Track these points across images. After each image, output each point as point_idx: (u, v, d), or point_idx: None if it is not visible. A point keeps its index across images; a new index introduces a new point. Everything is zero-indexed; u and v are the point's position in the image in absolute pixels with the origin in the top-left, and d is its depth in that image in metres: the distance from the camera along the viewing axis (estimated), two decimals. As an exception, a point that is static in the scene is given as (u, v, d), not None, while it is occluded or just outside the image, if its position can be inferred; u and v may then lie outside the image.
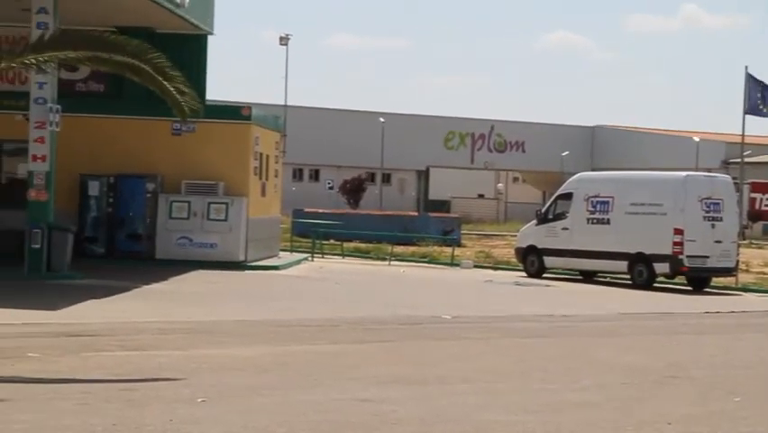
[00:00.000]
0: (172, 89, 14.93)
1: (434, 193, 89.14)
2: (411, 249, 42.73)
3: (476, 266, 38.38)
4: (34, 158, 26.50)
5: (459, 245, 43.97)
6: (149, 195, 31.19)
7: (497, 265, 38.64)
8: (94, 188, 31.07)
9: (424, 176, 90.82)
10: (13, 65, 14.83)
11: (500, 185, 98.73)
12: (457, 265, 38.24)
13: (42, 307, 20.62)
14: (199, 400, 12.13)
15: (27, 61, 14.53)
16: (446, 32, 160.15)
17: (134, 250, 31.06)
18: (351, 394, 12.93)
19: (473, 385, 14.04)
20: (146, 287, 25.45)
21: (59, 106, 26.41)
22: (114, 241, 31.14)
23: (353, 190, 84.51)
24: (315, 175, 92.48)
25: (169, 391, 12.71)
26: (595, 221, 33.69)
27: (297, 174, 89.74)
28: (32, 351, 15.29)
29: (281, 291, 27.29)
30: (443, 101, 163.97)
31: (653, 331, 22.22)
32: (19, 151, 29.49)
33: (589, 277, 34.42)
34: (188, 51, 29.51)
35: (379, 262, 38.99)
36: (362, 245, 43.20)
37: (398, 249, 41.38)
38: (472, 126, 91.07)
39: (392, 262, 38.69)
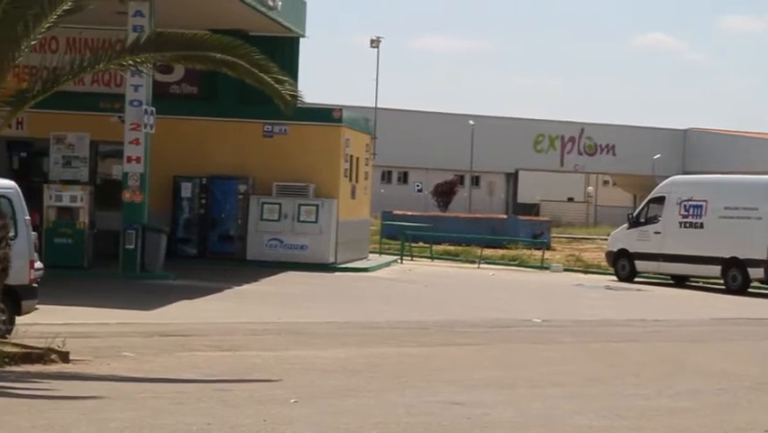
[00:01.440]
0: (270, 80, 14.99)
1: (523, 196, 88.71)
2: (500, 252, 42.60)
3: (566, 270, 38.15)
4: (129, 159, 26.87)
5: (548, 249, 43.73)
6: (240, 196, 31.47)
7: (587, 269, 38.37)
8: (186, 190, 31.41)
9: (513, 179, 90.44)
10: (111, 66, 15.02)
11: (590, 188, 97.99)
12: (547, 269, 38.04)
13: (137, 307, 20.90)
14: (292, 400, 12.20)
15: (124, 63, 14.75)
16: (537, 34, 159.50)
17: (226, 251, 31.34)
18: (441, 397, 12.93)
19: (564, 389, 13.96)
20: (237, 288, 25.68)
21: (153, 108, 26.76)
22: (205, 242, 31.45)
23: (444, 193, 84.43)
24: (404, 177, 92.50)
25: (261, 392, 12.82)
26: (688, 225, 33.31)
27: (386, 176, 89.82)
28: (128, 350, 15.51)
29: (370, 293, 27.36)
30: (532, 103, 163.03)
31: (748, 337, 21.91)
32: (114, 152, 29.92)
33: (681, 281, 34.02)
34: (280, 54, 29.65)
35: (468, 265, 38.93)
36: (451, 248, 43.14)
37: (488, 252, 41.28)
38: (562, 129, 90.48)
39: (481, 265, 38.60)
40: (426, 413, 11.91)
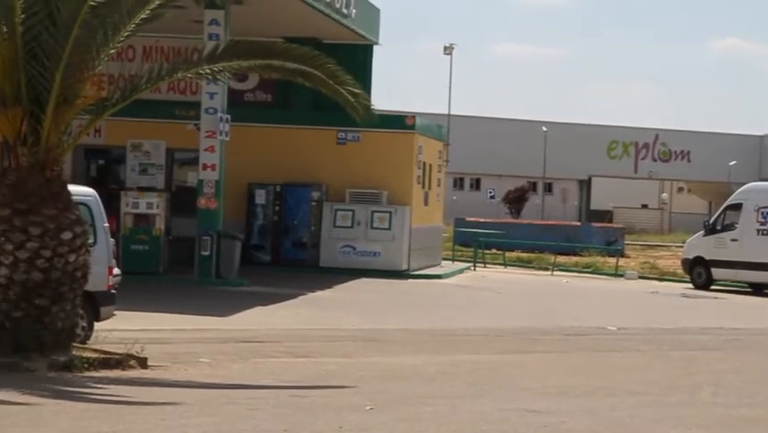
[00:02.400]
0: (344, 91, 15.05)
1: (596, 203, 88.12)
2: (574, 259, 42.34)
3: (640, 277, 37.84)
4: (204, 167, 27.08)
5: (622, 256, 43.41)
6: (314, 203, 31.58)
7: (662, 276, 38.03)
8: (261, 197, 31.59)
9: (586, 185, 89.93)
10: (189, 75, 15.17)
11: (665, 195, 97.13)
12: (621, 276, 37.75)
13: (212, 313, 21.04)
14: (367, 407, 12.21)
15: (202, 72, 14.87)
16: (611, 41, 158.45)
17: (299, 258, 31.46)
18: (518, 405, 12.86)
19: (642, 398, 13.82)
20: (311, 294, 25.76)
21: (228, 116, 26.95)
22: (279, 249, 31.60)
23: (516, 200, 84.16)
24: (476, 184, 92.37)
25: (337, 398, 12.84)
26: (765, 232, 32.90)
27: (458, 183, 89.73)
28: (204, 356, 15.61)
29: (444, 300, 27.32)
30: (606, 110, 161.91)
31: (828, 346, 21.56)
32: (189, 160, 30.19)
33: (759, 289, 33.59)
34: (354, 61, 29.76)
35: (541, 272, 38.74)
36: (524, 255, 42.97)
37: (561, 259, 41.05)
38: (636, 135, 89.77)
39: (555, 273, 38.41)
40: (502, 420, 11.85)
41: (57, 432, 10.39)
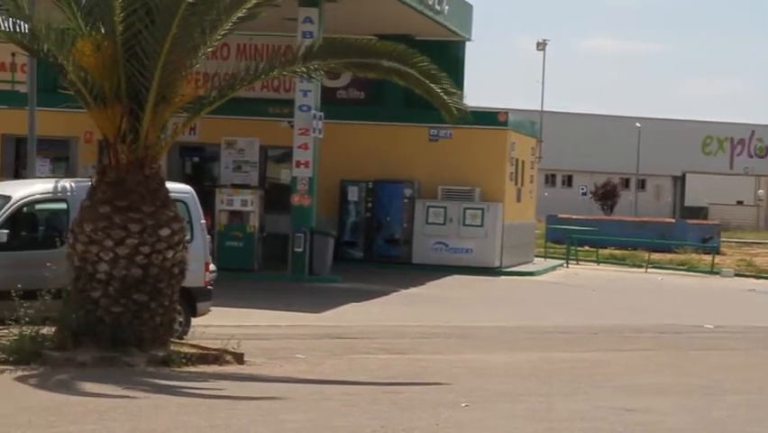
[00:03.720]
0: (439, 91, 15.02)
1: (691, 199, 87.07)
2: (668, 256, 41.84)
3: (736, 275, 37.29)
4: (298, 164, 27.25)
5: (718, 253, 42.81)
6: (406, 200, 31.60)
7: (759, 274, 37.44)
8: (353, 194, 31.69)
9: (680, 182, 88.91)
10: (285, 73, 15.28)
11: (761, 191, 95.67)
12: (717, 273, 37.25)
13: (306, 309, 21.17)
14: (463, 404, 12.19)
15: (297, 70, 14.96)
16: (706, 35, 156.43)
17: (391, 254, 31.50)
18: (613, 403, 12.76)
19: (742, 397, 13.64)
20: (404, 291, 25.79)
21: (321, 114, 27.08)
22: (371, 245, 31.66)
23: (607, 196, 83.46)
24: (568, 181, 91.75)
25: (432, 395, 12.85)
26: None
27: (550, 180, 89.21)
28: (299, 352, 15.72)
29: (537, 298, 27.20)
30: (700, 105, 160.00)
31: None
32: (283, 157, 30.37)
33: None
34: (446, 57, 29.67)
35: (635, 270, 38.35)
36: (617, 252, 42.59)
37: (655, 256, 40.58)
38: (732, 131, 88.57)
39: (649, 270, 38.01)
40: (599, 418, 11.77)
41: (156, 426, 10.53)
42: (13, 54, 45.32)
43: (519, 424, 11.33)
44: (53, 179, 17.13)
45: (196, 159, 32.23)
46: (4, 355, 13.50)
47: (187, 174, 30.67)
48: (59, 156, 31.78)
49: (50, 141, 29.37)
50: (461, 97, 15.60)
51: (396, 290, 25.57)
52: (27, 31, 14.74)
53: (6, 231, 14.86)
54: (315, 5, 26.42)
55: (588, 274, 34.98)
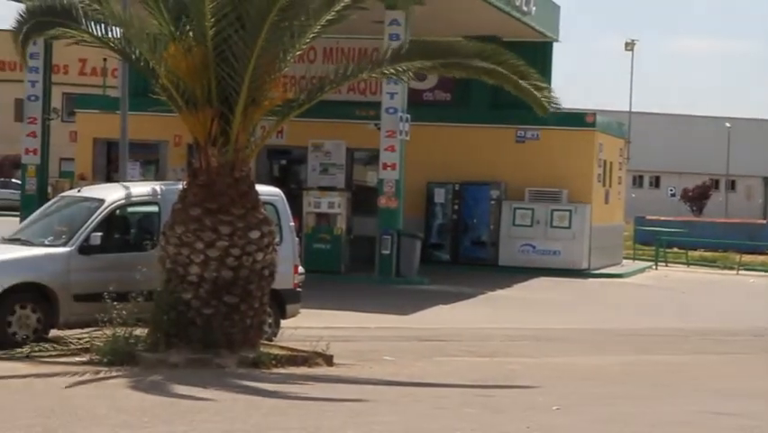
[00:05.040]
0: (529, 86, 14.94)
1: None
2: (760, 258, 41.18)
3: (830, 277, 36.63)
4: (385, 166, 27.27)
5: (810, 255, 42.02)
6: (493, 202, 31.48)
7: None
8: (440, 196, 31.64)
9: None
10: (373, 75, 15.32)
11: None
12: (810, 276, 36.61)
13: (394, 311, 21.17)
14: (554, 408, 12.11)
15: (386, 71, 14.98)
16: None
17: (478, 256, 31.41)
18: (709, 406, 12.59)
19: (839, 403, 13.38)
20: (491, 293, 25.70)
21: (408, 116, 27.08)
22: (458, 247, 31.59)
23: (697, 197, 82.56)
24: (656, 182, 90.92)
25: (523, 398, 12.78)
26: None
27: (637, 181, 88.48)
28: (387, 354, 15.73)
29: (626, 300, 26.94)
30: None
31: None
32: (369, 159, 30.41)
33: None
34: (533, 59, 29.42)
35: (726, 272, 37.81)
36: (708, 254, 42.03)
37: (747, 258, 39.96)
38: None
39: (740, 272, 37.45)
40: (693, 423, 11.62)
41: (248, 428, 10.59)
42: (105, 59, 46.03)
43: (612, 428, 11.22)
44: (144, 183, 17.35)
45: (283, 162, 32.41)
46: (98, 357, 13.69)
47: (275, 177, 30.84)
48: (149, 159, 32.19)
49: (140, 144, 29.76)
50: (552, 90, 15.45)
51: (483, 293, 25.49)
52: (119, 36, 14.95)
53: (100, 234, 15.07)
54: (403, 8, 26.41)
55: (677, 276, 34.58)
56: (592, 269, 31.72)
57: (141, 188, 16.31)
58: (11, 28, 15.56)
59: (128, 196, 15.80)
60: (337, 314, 20.06)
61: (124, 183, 18.19)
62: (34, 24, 15.13)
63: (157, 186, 16.28)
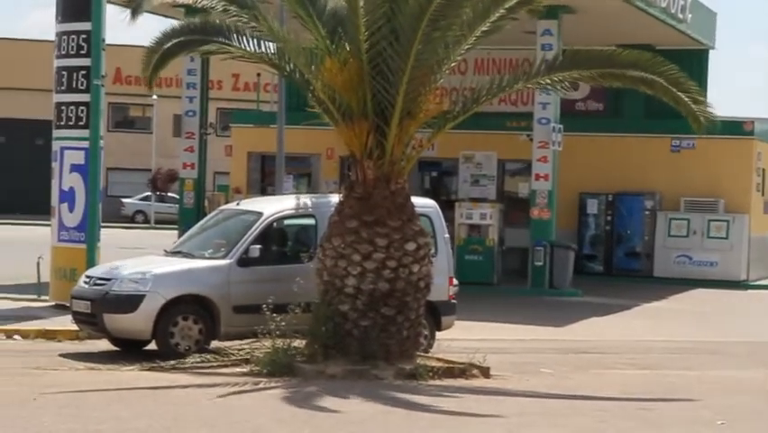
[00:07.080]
0: (687, 99, 14.69)
1: None
2: None
3: None
4: (537, 177, 27.09)
5: None
6: (647, 212, 31.02)
7: None
8: (592, 206, 31.30)
9: None
10: (529, 86, 15.23)
11: None
12: None
13: (548, 323, 20.99)
14: (719, 422, 11.84)
15: (542, 82, 14.88)
16: None
17: (632, 268, 30.97)
18: None
19: None
20: (646, 305, 25.29)
21: (561, 126, 26.87)
22: (611, 258, 31.20)
23: None
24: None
25: (685, 412, 12.52)
26: None
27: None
28: (544, 366, 15.59)
29: (787, 312, 26.23)
30: None
31: None
32: (520, 170, 30.26)
33: None
34: (688, 67, 28.89)
35: None
36: None
37: None
38: None
39: None
40: None
41: (408, 439, 10.59)
42: (258, 74, 46.65)
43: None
44: (300, 195, 17.54)
45: (434, 173, 32.45)
46: (258, 368, 13.87)
47: (426, 189, 30.91)
48: (301, 172, 32.57)
49: (293, 158, 30.12)
50: (710, 106, 15.18)
51: (637, 304, 25.10)
52: (274, 51, 15.13)
53: (258, 246, 15.28)
54: (555, 18, 26.24)
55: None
56: (751, 280, 31.01)
57: (297, 201, 16.48)
58: (147, 45, 15.58)
59: (286, 209, 16.00)
60: (491, 326, 19.97)
61: (281, 196, 18.42)
62: (177, 44, 15.34)
63: (312, 198, 16.44)
